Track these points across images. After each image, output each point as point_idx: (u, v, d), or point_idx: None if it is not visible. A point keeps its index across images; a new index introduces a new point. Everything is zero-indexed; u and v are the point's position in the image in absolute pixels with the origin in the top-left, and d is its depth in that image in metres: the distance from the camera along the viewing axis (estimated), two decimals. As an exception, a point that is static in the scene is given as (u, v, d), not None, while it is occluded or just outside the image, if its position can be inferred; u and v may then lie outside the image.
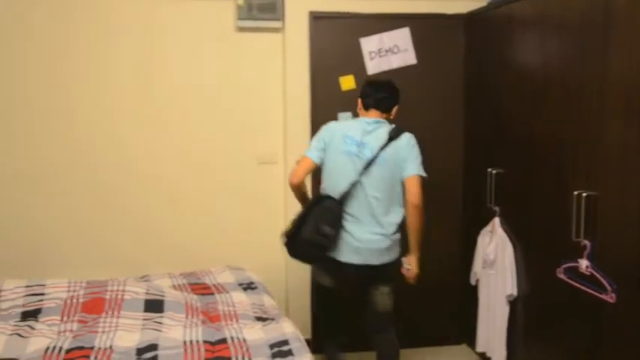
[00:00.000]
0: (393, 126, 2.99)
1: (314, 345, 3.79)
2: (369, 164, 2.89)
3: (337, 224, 2.92)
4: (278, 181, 3.79)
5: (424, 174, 2.96)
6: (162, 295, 3.15)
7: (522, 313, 3.26)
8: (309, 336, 3.81)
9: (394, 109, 3.07)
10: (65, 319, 2.98)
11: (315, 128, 3.73)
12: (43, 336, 2.85)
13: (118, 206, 3.68)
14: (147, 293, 3.14)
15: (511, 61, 3.30)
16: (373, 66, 3.78)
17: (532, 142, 3.10)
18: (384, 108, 3.03)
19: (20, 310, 3.05)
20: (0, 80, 3.50)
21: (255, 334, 2.86)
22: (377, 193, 2.91)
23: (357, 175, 2.91)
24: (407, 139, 2.95)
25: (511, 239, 3.30)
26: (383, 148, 2.89)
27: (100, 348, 2.68)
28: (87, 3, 3.54)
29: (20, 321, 2.96)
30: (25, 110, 3.54)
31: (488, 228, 3.49)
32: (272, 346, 2.74)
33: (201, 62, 3.68)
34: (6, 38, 3.47)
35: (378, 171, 2.90)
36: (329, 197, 2.95)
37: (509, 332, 3.34)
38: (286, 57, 3.69)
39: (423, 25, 3.81)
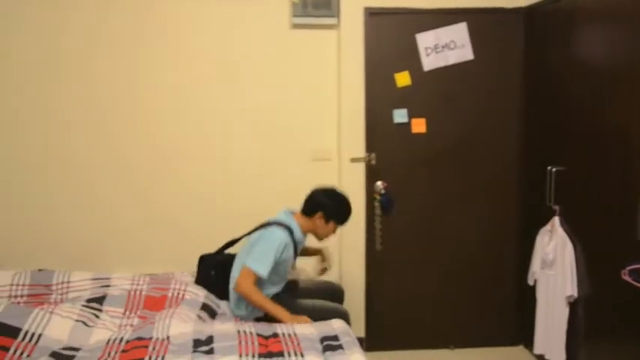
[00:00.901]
0: (281, 220, 3.13)
1: (367, 343, 3.78)
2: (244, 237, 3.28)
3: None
4: (332, 178, 3.79)
5: (256, 269, 2.99)
6: (218, 307, 3.25)
7: (583, 315, 3.16)
8: (362, 334, 3.79)
9: (316, 215, 3.12)
10: (127, 313, 3.08)
11: (369, 125, 3.73)
12: (106, 328, 2.95)
13: (172, 206, 3.77)
14: (206, 297, 3.22)
15: (574, 55, 3.20)
16: (429, 62, 3.74)
17: (596, 140, 3.00)
18: (302, 208, 3.19)
19: (87, 297, 3.16)
20: (40, 83, 3.61)
21: (306, 330, 2.88)
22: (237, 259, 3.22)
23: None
24: (262, 233, 3.08)
25: (571, 239, 3.20)
26: (255, 230, 3.16)
27: (157, 338, 2.75)
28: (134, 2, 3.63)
29: (86, 305, 3.06)
30: (93, 105, 3.66)
31: (547, 227, 3.39)
32: (322, 340, 2.75)
33: (255, 59, 3.71)
34: (43, 36, 3.58)
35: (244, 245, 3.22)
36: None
37: (568, 334, 3.24)
38: (341, 53, 3.69)
39: (480, 20, 3.73)
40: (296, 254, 3.18)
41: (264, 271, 3.00)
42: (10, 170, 3.64)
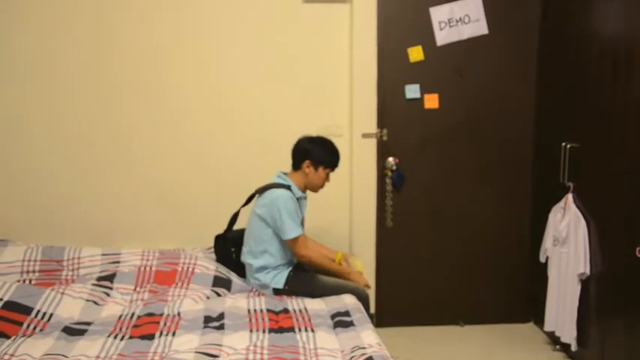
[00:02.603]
0: (276, 182, 3.16)
1: (377, 319, 3.80)
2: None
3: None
4: (343, 153, 3.72)
5: (295, 235, 3.08)
6: (230, 276, 3.24)
7: (595, 293, 3.14)
8: (372, 310, 3.79)
9: (304, 164, 3.15)
10: (138, 289, 3.09)
11: (381, 100, 3.69)
12: (116, 303, 2.98)
13: (182, 182, 3.73)
14: (216, 270, 3.22)
15: (590, 30, 3.13)
16: (443, 37, 3.68)
17: (611, 116, 2.95)
18: (292, 164, 3.22)
19: (97, 275, 3.18)
20: (46, 58, 3.56)
21: (317, 305, 2.89)
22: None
23: None
24: (269, 204, 3.09)
25: (585, 216, 3.17)
26: (252, 197, 3.26)
27: (169, 315, 2.77)
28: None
29: (96, 284, 3.08)
30: (86, 83, 3.63)
31: (560, 204, 3.36)
32: (333, 317, 2.76)
33: (267, 34, 3.66)
34: (48, 15, 3.53)
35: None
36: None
37: (579, 312, 3.23)
38: (354, 28, 3.63)
39: (496, -7, 3.67)
40: (301, 211, 3.20)
41: (299, 230, 3.08)
42: (20, 148, 3.62)
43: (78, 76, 3.60)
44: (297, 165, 3.18)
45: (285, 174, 3.21)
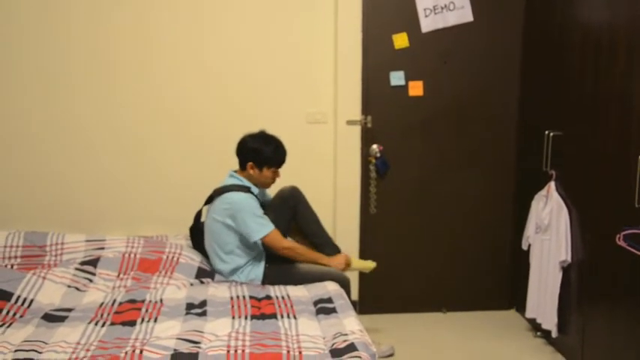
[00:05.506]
0: (231, 184, 3.08)
1: (360, 306, 3.80)
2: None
3: None
4: (327, 141, 3.75)
5: (267, 232, 3.02)
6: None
7: (576, 280, 3.17)
8: (356, 297, 3.80)
9: (248, 166, 3.08)
10: (121, 276, 3.07)
11: (366, 87, 3.68)
12: (98, 290, 2.95)
13: (167, 169, 3.71)
14: (201, 262, 3.20)
15: (574, 17, 3.14)
16: (428, 23, 3.66)
17: (594, 105, 2.96)
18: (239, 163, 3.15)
19: (80, 260, 3.14)
20: (40, 44, 3.52)
21: (299, 292, 2.89)
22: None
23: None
24: (230, 209, 3.01)
25: (567, 204, 3.19)
26: (210, 199, 3.17)
27: (150, 301, 2.76)
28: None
29: (79, 269, 3.05)
30: (80, 71, 3.58)
31: (542, 192, 3.38)
32: (316, 303, 2.76)
33: (249, 19, 3.62)
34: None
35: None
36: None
37: (560, 299, 3.26)
38: (338, 14, 3.60)
39: (481, -19, 3.66)
40: (263, 209, 3.14)
41: (270, 225, 3.00)
42: (4, 132, 3.58)
43: (69, 57, 3.54)
44: (242, 166, 3.11)
45: (235, 172, 3.14)
